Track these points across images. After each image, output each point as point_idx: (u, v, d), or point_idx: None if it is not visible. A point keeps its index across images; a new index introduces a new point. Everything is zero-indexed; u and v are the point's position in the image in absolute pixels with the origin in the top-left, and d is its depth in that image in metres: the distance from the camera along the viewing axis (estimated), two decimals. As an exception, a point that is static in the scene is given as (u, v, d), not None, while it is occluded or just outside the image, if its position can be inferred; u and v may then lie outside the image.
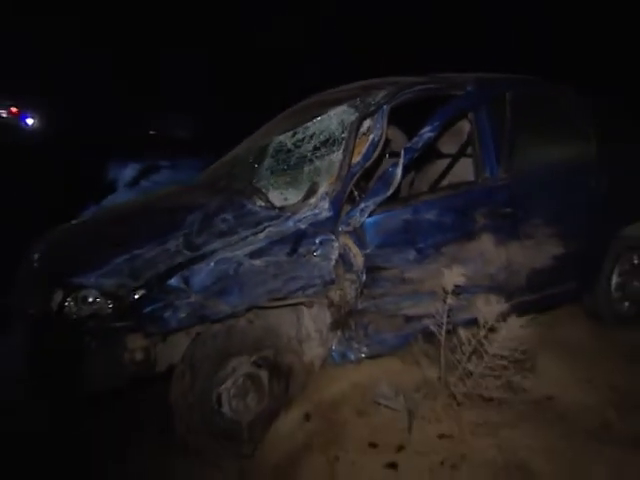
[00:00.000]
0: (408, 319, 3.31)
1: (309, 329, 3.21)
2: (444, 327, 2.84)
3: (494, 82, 3.92)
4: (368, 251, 3.19)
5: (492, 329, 2.70)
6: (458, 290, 2.98)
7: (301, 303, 3.14)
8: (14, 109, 31.21)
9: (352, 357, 3.21)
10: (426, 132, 3.38)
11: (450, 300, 2.83)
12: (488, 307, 2.73)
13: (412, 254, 3.31)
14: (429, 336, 3.07)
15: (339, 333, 3.20)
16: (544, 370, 3.20)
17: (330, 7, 18.62)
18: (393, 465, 2.35)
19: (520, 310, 2.90)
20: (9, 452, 2.95)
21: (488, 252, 3.48)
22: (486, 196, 3.55)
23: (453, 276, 2.81)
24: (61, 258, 3.21)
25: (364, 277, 3.17)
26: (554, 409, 2.80)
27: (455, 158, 4.16)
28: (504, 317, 2.72)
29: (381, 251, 3.23)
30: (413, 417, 2.64)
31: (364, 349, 3.22)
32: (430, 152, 4.10)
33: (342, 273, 3.13)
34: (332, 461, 2.45)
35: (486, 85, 3.78)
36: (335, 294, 3.15)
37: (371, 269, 3.20)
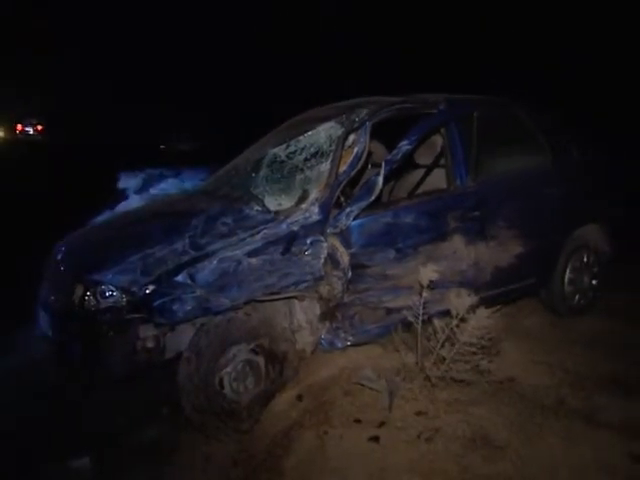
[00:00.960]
0: (389, 311, 3.34)
1: (301, 320, 3.22)
2: (420, 318, 2.87)
3: (463, 102, 3.96)
4: (353, 250, 3.21)
5: (463, 319, 2.73)
6: (433, 285, 3.00)
7: (294, 297, 3.16)
8: (40, 127, 30.86)
9: (339, 344, 3.22)
10: (404, 145, 3.41)
11: (425, 294, 2.86)
12: (459, 300, 2.75)
13: (392, 253, 3.33)
14: (408, 326, 3.10)
15: (327, 323, 3.21)
16: (507, 355, 3.28)
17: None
18: (376, 438, 2.37)
19: (487, 303, 2.93)
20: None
21: (459, 251, 3.50)
22: (456, 201, 3.58)
23: (428, 272, 2.82)
24: (81, 258, 3.21)
25: (350, 274, 3.19)
26: (515, 389, 2.84)
27: (430, 168, 4.20)
28: (473, 309, 2.75)
29: (365, 250, 3.25)
30: (393, 397, 2.66)
31: (350, 338, 3.24)
32: (407, 163, 4.10)
33: (330, 270, 3.16)
34: (322, 435, 2.46)
35: (456, 104, 3.81)
36: (324, 289, 3.16)
37: (356, 267, 3.22)
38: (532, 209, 3.93)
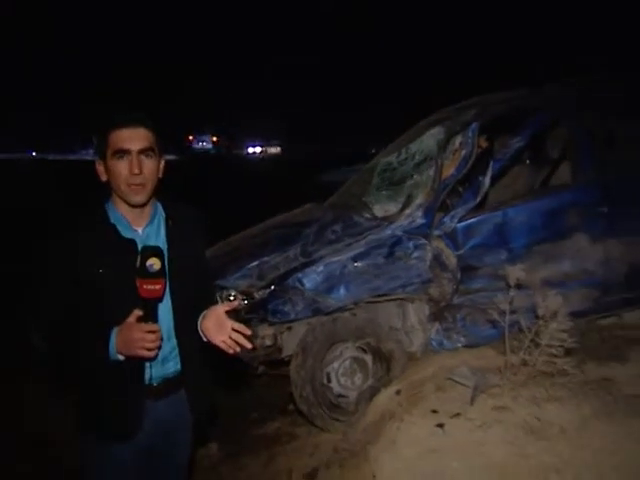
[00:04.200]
0: (502, 312, 3.73)
1: (413, 321, 3.80)
2: (507, 317, 3.18)
3: (584, 88, 4.20)
4: (461, 252, 3.71)
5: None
6: (549, 285, 3.40)
7: (403, 299, 3.75)
8: (214, 138, 38.10)
9: (449, 345, 3.74)
10: (515, 143, 3.83)
11: (512, 293, 3.18)
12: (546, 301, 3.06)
13: (504, 254, 3.76)
14: (520, 328, 3.30)
15: (437, 324, 3.76)
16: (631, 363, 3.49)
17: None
18: (441, 425, 2.87)
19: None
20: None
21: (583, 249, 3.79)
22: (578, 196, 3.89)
23: (515, 271, 3.15)
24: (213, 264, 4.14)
25: (459, 275, 3.70)
26: (610, 389, 3.07)
27: (555, 164, 4.53)
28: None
29: (473, 252, 3.74)
30: (478, 392, 3.08)
31: (461, 339, 3.75)
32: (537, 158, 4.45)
33: (439, 272, 3.69)
34: (399, 424, 3.04)
35: (575, 93, 4.11)
36: (434, 290, 3.71)
37: (465, 268, 3.72)
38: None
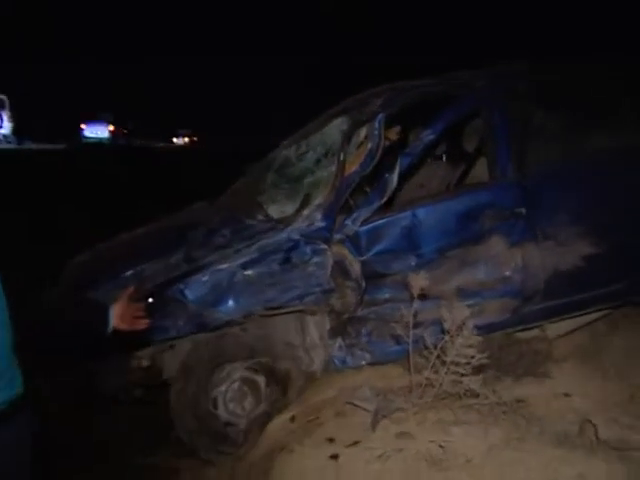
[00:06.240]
0: (405, 326, 3.64)
1: (313, 336, 3.70)
2: (411, 332, 3.15)
3: (509, 75, 4.17)
4: (365, 258, 3.63)
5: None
6: (463, 294, 3.51)
7: (302, 311, 3.64)
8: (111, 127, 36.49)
9: (353, 363, 3.66)
10: (426, 136, 3.76)
11: (416, 304, 3.13)
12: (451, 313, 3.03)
13: (414, 260, 3.71)
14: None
15: (339, 340, 3.67)
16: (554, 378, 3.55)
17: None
18: (335, 456, 2.79)
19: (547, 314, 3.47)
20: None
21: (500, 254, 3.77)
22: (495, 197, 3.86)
23: (419, 279, 3.09)
24: (78, 276, 3.94)
25: (364, 284, 3.61)
26: (521, 412, 3.05)
27: (470, 159, 4.60)
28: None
29: (379, 257, 3.66)
30: (379, 417, 3.01)
31: (366, 356, 3.67)
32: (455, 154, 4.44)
33: (342, 281, 3.60)
34: (289, 455, 2.93)
35: (499, 79, 4.08)
36: (336, 301, 3.61)
37: (371, 276, 3.63)
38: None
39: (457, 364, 2.98)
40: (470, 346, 2.97)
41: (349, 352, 3.68)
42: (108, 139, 38.28)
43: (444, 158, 5.08)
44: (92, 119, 38.65)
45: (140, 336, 3.28)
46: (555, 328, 4.08)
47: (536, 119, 3.98)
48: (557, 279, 3.81)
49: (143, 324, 2.41)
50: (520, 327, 3.92)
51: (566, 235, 3.81)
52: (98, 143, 34.99)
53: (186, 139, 48.36)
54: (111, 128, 39.79)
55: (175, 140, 48.20)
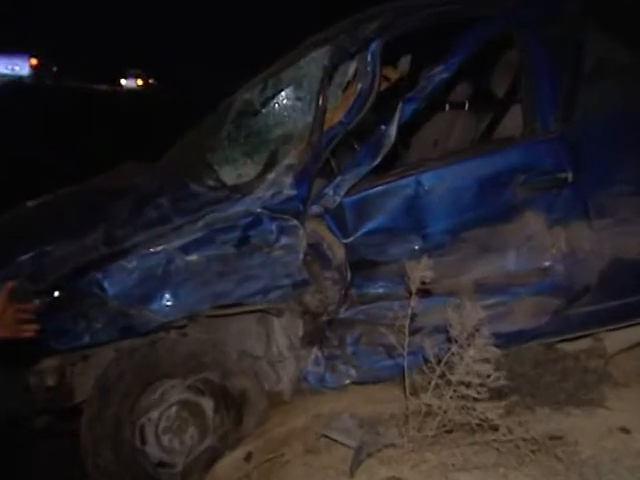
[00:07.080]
0: (412, 331, 3.07)
1: (279, 345, 3.25)
2: (406, 340, 2.63)
3: None
4: (351, 240, 3.13)
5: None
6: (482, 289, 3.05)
7: (265, 311, 3.16)
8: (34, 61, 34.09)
9: (333, 382, 3.20)
10: (436, 74, 3.18)
11: (414, 303, 2.65)
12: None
13: (418, 242, 3.16)
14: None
15: (316, 350, 3.19)
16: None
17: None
18: None
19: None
20: None
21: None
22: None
23: (420, 269, 2.57)
24: None
25: (349, 275, 3.14)
26: (558, 452, 2.51)
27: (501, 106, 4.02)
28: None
29: (371, 239, 3.15)
30: (363, 456, 2.56)
31: (351, 372, 3.21)
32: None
33: (318, 270, 3.13)
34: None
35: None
36: (312, 298, 3.13)
37: (359, 264, 3.15)
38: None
39: (468, 385, 2.52)
40: (485, 361, 2.49)
41: (328, 367, 3.20)
42: (29, 77, 34.35)
43: (466, 106, 4.54)
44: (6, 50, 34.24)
45: (39, 344, 2.95)
46: (614, 339, 3.50)
47: (592, 50, 3.40)
48: (616, 271, 3.31)
49: (29, 331, 2.10)
50: (562, 337, 3.38)
51: (629, 210, 3.30)
52: (14, 81, 31.35)
53: (139, 81, 42.08)
54: (34, 62, 35.57)
55: (124, 82, 41.45)
